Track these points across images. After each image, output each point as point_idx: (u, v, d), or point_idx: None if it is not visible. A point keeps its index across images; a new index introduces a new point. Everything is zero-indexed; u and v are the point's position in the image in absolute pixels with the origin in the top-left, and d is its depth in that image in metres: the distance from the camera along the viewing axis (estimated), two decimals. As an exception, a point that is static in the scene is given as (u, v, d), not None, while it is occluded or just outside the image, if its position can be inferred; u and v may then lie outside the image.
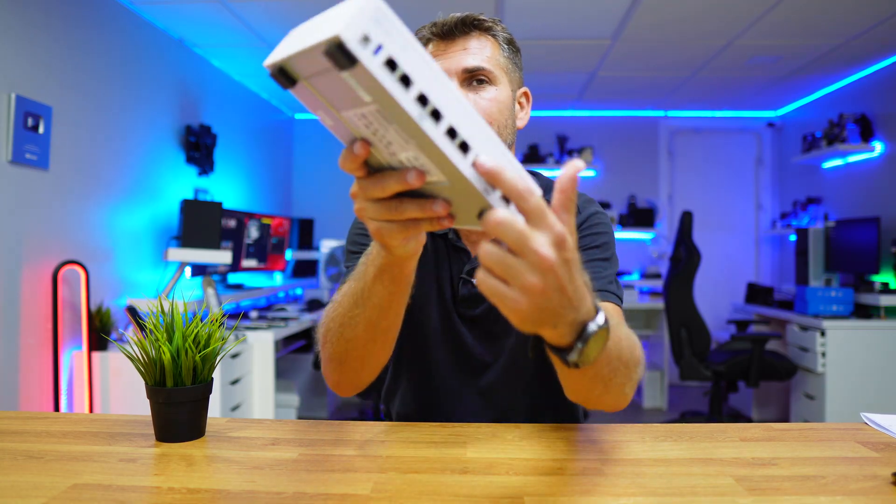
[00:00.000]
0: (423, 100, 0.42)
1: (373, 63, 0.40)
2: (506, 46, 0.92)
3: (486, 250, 0.45)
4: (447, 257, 0.96)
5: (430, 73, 0.42)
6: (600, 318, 0.51)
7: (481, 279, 0.45)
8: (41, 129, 2.16)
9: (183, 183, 3.21)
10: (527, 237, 0.43)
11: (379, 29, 0.40)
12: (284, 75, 0.46)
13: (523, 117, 0.96)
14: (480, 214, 0.46)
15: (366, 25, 0.39)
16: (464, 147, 0.44)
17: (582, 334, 0.50)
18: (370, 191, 0.51)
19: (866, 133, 3.50)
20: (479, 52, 0.88)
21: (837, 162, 3.87)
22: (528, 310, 0.45)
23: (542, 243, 0.43)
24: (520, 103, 0.96)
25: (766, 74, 3.75)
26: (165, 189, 3.04)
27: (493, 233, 0.44)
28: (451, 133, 0.44)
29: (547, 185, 0.97)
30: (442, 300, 0.96)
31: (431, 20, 0.92)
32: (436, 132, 0.43)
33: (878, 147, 3.47)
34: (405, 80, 0.41)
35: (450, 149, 0.44)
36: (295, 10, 2.79)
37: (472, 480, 0.65)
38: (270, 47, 3.27)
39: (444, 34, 0.88)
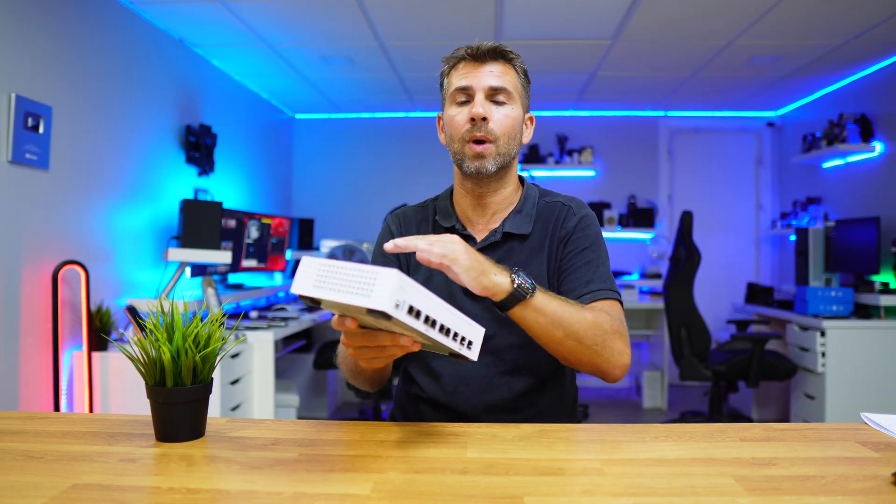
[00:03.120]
0: (427, 319, 0.69)
1: (400, 314, 0.64)
2: (522, 76, 1.11)
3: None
4: None
5: (428, 299, 0.69)
6: (512, 274, 0.89)
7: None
8: (41, 129, 2.16)
9: (183, 183, 3.21)
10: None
11: (403, 293, 0.64)
12: (314, 301, 0.68)
13: (528, 136, 1.16)
14: (451, 355, 0.79)
15: (398, 295, 0.64)
16: (447, 331, 0.72)
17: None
18: (365, 342, 0.75)
19: (866, 133, 3.50)
20: (502, 75, 1.07)
21: (837, 162, 3.87)
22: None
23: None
24: (526, 124, 1.15)
25: (766, 74, 3.74)
26: (165, 189, 3.04)
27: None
28: (440, 327, 0.71)
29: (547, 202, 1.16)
30: (448, 281, 1.08)
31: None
32: (433, 332, 0.70)
33: (878, 147, 3.47)
34: (417, 314, 0.67)
35: (440, 336, 0.71)
36: (295, 9, 2.79)
37: (472, 480, 0.66)
38: (270, 47, 3.27)
39: (477, 56, 1.07)
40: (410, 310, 0.66)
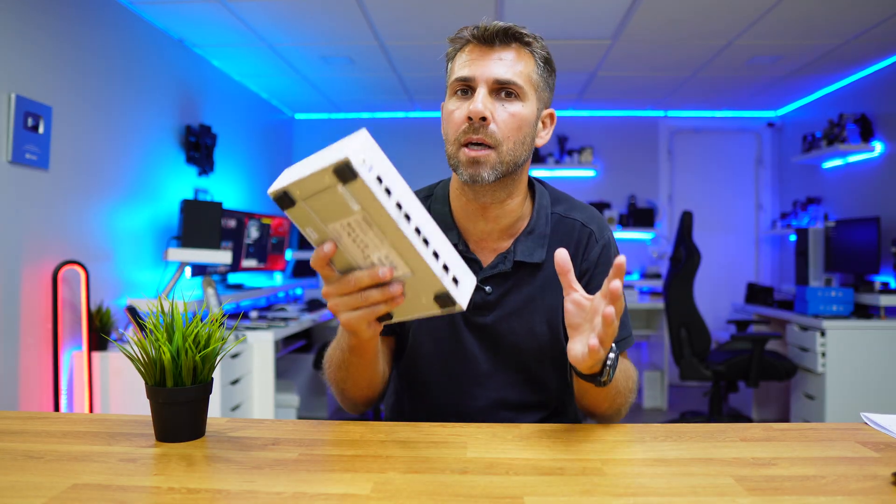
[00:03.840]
0: (399, 205, 0.60)
1: (368, 177, 0.57)
2: (541, 64, 0.93)
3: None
4: None
5: (403, 187, 0.61)
6: (612, 353, 0.78)
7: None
8: (41, 129, 2.16)
9: (183, 183, 3.21)
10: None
11: (371, 156, 0.59)
12: (287, 198, 0.62)
13: (544, 136, 0.97)
14: (437, 297, 0.64)
15: (364, 153, 0.58)
16: (426, 241, 0.62)
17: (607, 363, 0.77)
18: (344, 287, 0.66)
19: (866, 133, 3.50)
20: (513, 65, 0.88)
21: (837, 162, 3.87)
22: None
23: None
24: (543, 122, 0.96)
25: (766, 74, 3.74)
26: (165, 189, 3.04)
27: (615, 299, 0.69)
28: (418, 230, 0.61)
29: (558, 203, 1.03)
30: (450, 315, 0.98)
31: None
32: (408, 228, 0.60)
33: (878, 147, 3.47)
34: (388, 191, 0.59)
35: (417, 241, 0.61)
36: (295, 9, 2.79)
37: (472, 480, 0.65)
38: (270, 47, 3.27)
39: (484, 39, 0.90)
40: (380, 181, 0.59)
